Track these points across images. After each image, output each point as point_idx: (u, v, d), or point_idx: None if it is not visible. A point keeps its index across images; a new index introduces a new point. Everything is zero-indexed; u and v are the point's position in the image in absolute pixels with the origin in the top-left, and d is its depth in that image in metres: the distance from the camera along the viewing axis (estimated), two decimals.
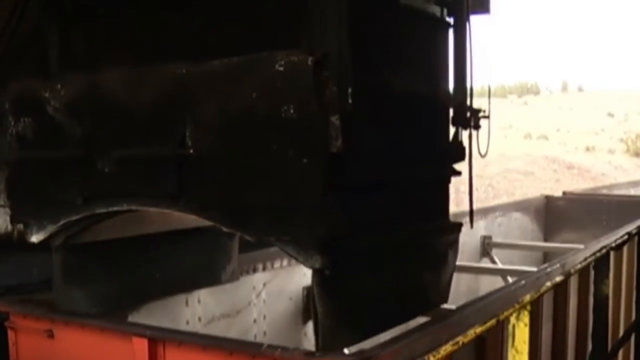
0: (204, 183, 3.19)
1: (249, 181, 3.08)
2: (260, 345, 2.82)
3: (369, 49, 3.35)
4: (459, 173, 4.28)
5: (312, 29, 3.15)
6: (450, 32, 4.17)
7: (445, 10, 4.29)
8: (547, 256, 8.58)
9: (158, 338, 2.86)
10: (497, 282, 6.67)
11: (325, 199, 2.94)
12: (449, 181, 4.26)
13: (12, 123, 3.74)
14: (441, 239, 4.04)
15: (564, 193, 10.26)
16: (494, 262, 7.91)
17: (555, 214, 9.66)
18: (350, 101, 3.06)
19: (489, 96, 5.31)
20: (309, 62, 2.92)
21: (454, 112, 4.18)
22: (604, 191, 11.54)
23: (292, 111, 2.94)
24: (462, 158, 4.31)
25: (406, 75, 3.73)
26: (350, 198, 3.19)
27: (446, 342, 2.47)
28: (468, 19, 4.23)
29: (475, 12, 4.48)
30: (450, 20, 4.21)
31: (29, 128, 3.69)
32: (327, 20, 3.12)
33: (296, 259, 3.05)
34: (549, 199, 9.86)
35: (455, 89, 4.18)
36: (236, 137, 3.09)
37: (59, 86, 3.59)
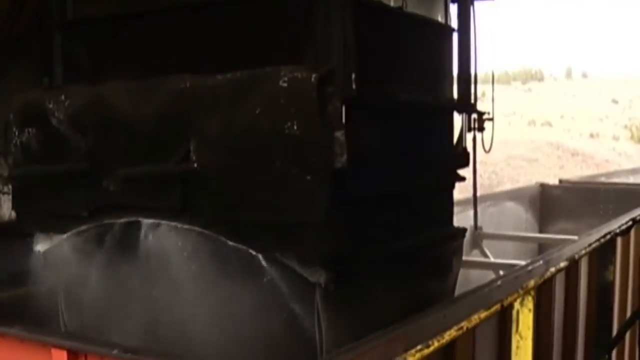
0: (209, 198, 3.19)
1: (253, 197, 3.08)
2: (181, 357, 2.78)
3: (372, 61, 3.35)
4: (463, 179, 4.30)
5: (317, 44, 3.15)
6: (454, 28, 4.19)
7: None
8: (542, 248, 8.09)
9: (79, 350, 2.78)
10: (488, 276, 6.17)
11: (329, 216, 2.95)
12: (453, 187, 4.27)
13: (17, 133, 3.75)
14: (445, 246, 4.06)
15: (560, 181, 9.88)
16: (484, 254, 7.47)
17: (550, 203, 9.25)
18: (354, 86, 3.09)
19: (493, 83, 5.34)
20: (313, 79, 2.91)
21: (458, 98, 4.19)
22: (602, 179, 11.17)
23: (295, 127, 2.93)
24: (467, 164, 4.33)
25: (409, 84, 3.73)
26: (354, 212, 3.20)
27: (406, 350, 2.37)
28: (472, 5, 4.24)
29: None
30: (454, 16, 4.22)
31: (34, 139, 3.69)
32: (332, 35, 3.12)
33: (301, 274, 3.06)
34: (544, 187, 9.46)
35: (459, 74, 4.19)
36: (240, 152, 3.09)
37: (62, 97, 3.59)
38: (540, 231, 9.11)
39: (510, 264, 6.42)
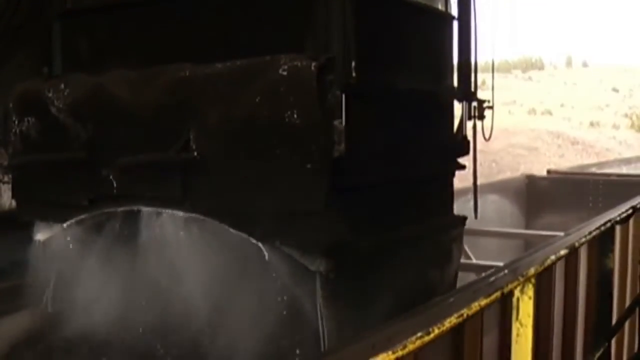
0: (209, 186, 3.19)
1: (253, 185, 3.08)
2: None
3: (372, 49, 3.34)
4: (463, 167, 4.29)
5: (317, 32, 3.14)
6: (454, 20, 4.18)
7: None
8: (528, 245, 7.15)
9: None
10: (468, 278, 5.01)
11: (329, 204, 2.95)
12: (453, 176, 4.27)
13: (16, 122, 3.75)
14: (445, 235, 4.06)
15: (548, 172, 9.41)
16: (465, 253, 6.55)
17: (538, 196, 8.76)
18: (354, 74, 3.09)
19: (493, 71, 5.31)
20: (313, 68, 2.91)
21: (458, 86, 4.19)
22: (593, 169, 10.66)
23: (295, 116, 2.93)
24: (467, 152, 4.32)
25: (409, 73, 3.72)
26: (353, 200, 3.20)
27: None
28: None
29: None
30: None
31: (33, 128, 3.69)
32: (332, 23, 3.11)
33: (301, 262, 3.07)
34: (530, 179, 8.97)
35: (459, 62, 4.19)
36: (240, 141, 3.09)
37: (62, 86, 3.59)
38: (527, 226, 8.62)
39: (493, 265, 5.32)
